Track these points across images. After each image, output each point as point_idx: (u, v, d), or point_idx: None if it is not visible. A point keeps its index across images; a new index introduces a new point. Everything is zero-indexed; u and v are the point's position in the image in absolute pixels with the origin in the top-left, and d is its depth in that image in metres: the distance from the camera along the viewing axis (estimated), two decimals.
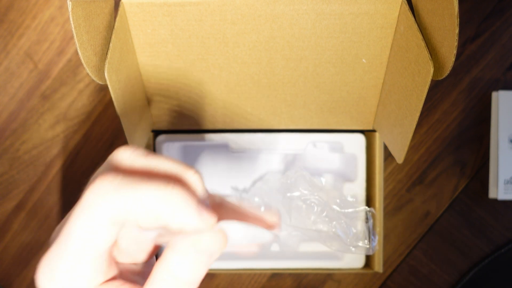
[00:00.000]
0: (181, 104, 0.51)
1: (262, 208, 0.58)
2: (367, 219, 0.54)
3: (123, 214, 0.23)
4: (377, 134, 0.53)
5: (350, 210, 0.53)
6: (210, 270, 0.56)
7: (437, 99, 0.59)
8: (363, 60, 0.46)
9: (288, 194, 0.52)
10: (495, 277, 0.58)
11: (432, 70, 0.36)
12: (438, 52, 0.37)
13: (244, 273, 0.58)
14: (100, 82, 0.40)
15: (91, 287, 0.25)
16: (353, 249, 0.52)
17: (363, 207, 0.54)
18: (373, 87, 0.49)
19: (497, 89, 0.58)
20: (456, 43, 0.34)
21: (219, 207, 0.29)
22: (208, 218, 0.25)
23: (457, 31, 0.34)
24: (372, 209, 0.53)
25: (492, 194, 0.57)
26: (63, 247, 0.24)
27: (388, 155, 0.59)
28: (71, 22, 0.35)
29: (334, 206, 0.53)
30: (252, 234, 0.26)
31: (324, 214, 0.52)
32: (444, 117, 0.58)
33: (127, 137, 0.43)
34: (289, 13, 0.41)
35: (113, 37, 0.39)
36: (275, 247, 0.56)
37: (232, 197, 0.30)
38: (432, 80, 0.37)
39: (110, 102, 0.58)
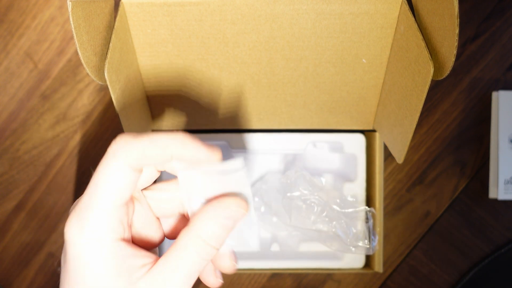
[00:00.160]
0: (181, 104, 0.51)
1: (262, 208, 0.58)
2: (367, 219, 0.54)
3: (140, 158, 0.27)
4: (377, 134, 0.53)
5: (350, 210, 0.53)
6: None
7: (437, 99, 0.59)
8: (363, 60, 0.46)
9: (288, 194, 0.52)
10: (495, 277, 0.58)
11: (432, 70, 0.36)
12: (438, 52, 0.37)
13: (244, 273, 0.58)
14: (100, 82, 0.40)
15: (116, 238, 0.27)
16: (353, 249, 0.52)
17: (363, 207, 0.54)
18: (373, 87, 0.49)
19: (497, 89, 0.58)
20: (456, 43, 0.34)
21: None
22: (215, 149, 0.28)
23: (457, 31, 0.34)
24: (372, 209, 0.53)
25: (492, 194, 0.57)
26: (88, 198, 0.27)
27: (388, 155, 0.59)
28: (71, 22, 0.35)
29: (334, 206, 0.53)
30: None
31: (324, 214, 0.52)
32: (444, 117, 0.58)
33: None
34: (289, 13, 0.41)
35: (113, 37, 0.39)
36: (275, 247, 0.56)
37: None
38: (432, 80, 0.37)
39: (110, 102, 0.58)
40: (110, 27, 0.40)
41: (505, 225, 0.58)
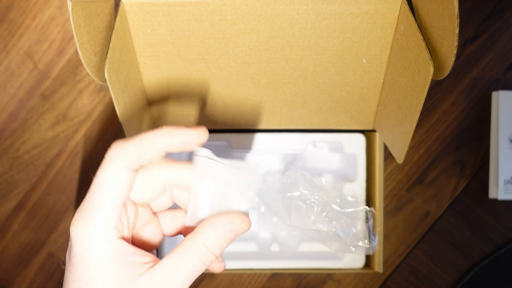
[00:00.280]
0: (181, 104, 0.51)
1: (262, 208, 0.58)
2: (367, 219, 0.53)
3: (135, 157, 0.29)
4: (377, 134, 0.53)
5: (350, 210, 0.53)
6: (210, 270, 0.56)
7: (437, 99, 0.59)
8: (363, 60, 0.46)
9: (288, 194, 0.52)
10: (495, 277, 0.58)
11: (432, 70, 0.36)
12: (438, 52, 0.37)
13: (244, 273, 0.58)
14: (100, 82, 0.40)
15: (117, 236, 0.29)
16: (353, 249, 0.52)
17: (363, 207, 0.54)
18: (373, 87, 0.49)
19: (497, 89, 0.58)
20: (456, 43, 0.34)
21: None
22: (200, 128, 0.31)
23: (457, 31, 0.34)
24: (372, 209, 0.53)
25: (492, 194, 0.57)
26: (91, 199, 0.29)
27: (388, 155, 0.59)
28: (71, 22, 0.35)
29: (334, 206, 0.53)
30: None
31: (324, 214, 0.52)
32: (444, 117, 0.58)
33: (127, 137, 0.43)
34: (289, 13, 0.41)
35: (113, 37, 0.39)
36: (275, 247, 0.56)
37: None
38: (432, 80, 0.37)
39: (110, 102, 0.58)
40: (110, 27, 0.40)
41: (505, 225, 0.58)
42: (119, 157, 0.29)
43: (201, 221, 0.31)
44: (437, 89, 0.58)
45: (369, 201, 0.56)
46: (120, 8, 0.40)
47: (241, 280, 0.59)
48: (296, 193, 0.52)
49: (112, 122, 0.59)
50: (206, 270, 0.31)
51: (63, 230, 0.59)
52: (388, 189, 0.59)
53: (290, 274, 0.59)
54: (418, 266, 0.59)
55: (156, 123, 0.54)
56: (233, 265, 0.55)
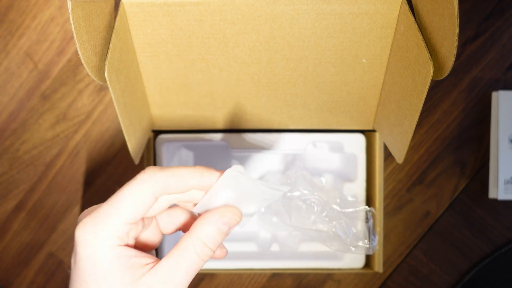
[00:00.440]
0: (181, 104, 0.51)
1: (262, 209, 0.58)
2: (367, 219, 0.53)
3: (164, 187, 0.31)
4: (377, 134, 0.53)
5: (350, 210, 0.53)
6: (210, 270, 0.56)
7: (437, 99, 0.59)
8: (363, 60, 0.46)
9: (288, 194, 0.52)
10: (495, 277, 0.58)
11: (432, 70, 0.36)
12: (438, 52, 0.37)
13: (244, 273, 0.58)
14: (100, 82, 0.40)
15: (121, 244, 0.31)
16: (353, 249, 0.52)
17: (363, 207, 0.54)
18: (373, 87, 0.49)
19: (497, 89, 0.58)
20: (456, 43, 0.34)
21: None
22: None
23: (457, 31, 0.34)
24: (372, 209, 0.53)
25: (492, 194, 0.57)
26: (108, 208, 0.31)
27: (388, 155, 0.59)
28: (71, 22, 0.35)
29: (334, 206, 0.53)
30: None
31: (324, 214, 0.52)
32: (444, 117, 0.58)
33: (127, 137, 0.43)
34: (289, 13, 0.41)
35: (113, 37, 0.39)
36: (275, 247, 0.56)
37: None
38: (432, 80, 0.37)
39: (110, 102, 0.58)
40: (110, 27, 0.40)
41: (505, 225, 0.58)
42: (149, 183, 0.31)
43: (207, 211, 0.33)
44: (437, 89, 0.58)
45: (369, 201, 0.56)
46: (120, 8, 0.40)
47: (241, 280, 0.59)
48: (296, 193, 0.52)
49: (112, 122, 0.59)
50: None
51: (63, 230, 0.59)
52: (388, 189, 0.59)
53: (290, 274, 0.59)
54: (418, 266, 0.59)
55: (156, 123, 0.54)
56: (233, 265, 0.55)
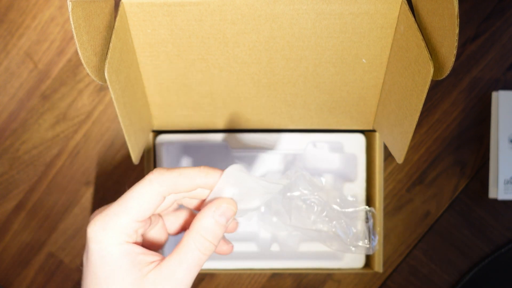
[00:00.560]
0: (181, 104, 0.51)
1: (262, 208, 0.58)
2: (367, 219, 0.53)
3: (172, 187, 0.33)
4: (377, 134, 0.53)
5: (350, 210, 0.53)
6: (210, 270, 0.56)
7: (437, 99, 0.59)
8: (363, 60, 0.46)
9: (288, 194, 0.52)
10: (495, 277, 0.58)
11: (432, 70, 0.36)
12: (438, 52, 0.37)
13: (244, 273, 0.58)
14: (100, 82, 0.40)
15: (130, 241, 0.32)
16: (353, 249, 0.52)
17: (363, 207, 0.54)
18: (373, 87, 0.49)
19: (497, 89, 0.58)
20: (456, 43, 0.34)
21: None
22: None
23: (457, 31, 0.34)
24: (372, 208, 0.53)
25: (492, 194, 0.57)
26: (117, 207, 0.33)
27: (388, 155, 0.59)
28: (71, 22, 0.35)
29: (334, 206, 0.53)
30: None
31: (324, 214, 0.52)
32: (444, 117, 0.58)
33: (127, 137, 0.43)
34: (289, 13, 0.41)
35: (113, 37, 0.39)
36: (275, 247, 0.56)
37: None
38: (432, 80, 0.37)
39: (110, 102, 0.58)
40: (110, 27, 0.40)
41: (505, 225, 0.58)
42: (158, 183, 0.33)
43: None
44: (437, 89, 0.58)
45: (369, 201, 0.56)
46: (120, 8, 0.40)
47: (241, 280, 0.59)
48: (296, 193, 0.52)
49: (112, 122, 0.59)
50: (216, 254, 0.34)
51: (63, 230, 0.59)
52: (388, 189, 0.59)
53: (290, 274, 0.59)
54: (418, 266, 0.59)
55: (156, 123, 0.54)
56: (233, 265, 0.55)
